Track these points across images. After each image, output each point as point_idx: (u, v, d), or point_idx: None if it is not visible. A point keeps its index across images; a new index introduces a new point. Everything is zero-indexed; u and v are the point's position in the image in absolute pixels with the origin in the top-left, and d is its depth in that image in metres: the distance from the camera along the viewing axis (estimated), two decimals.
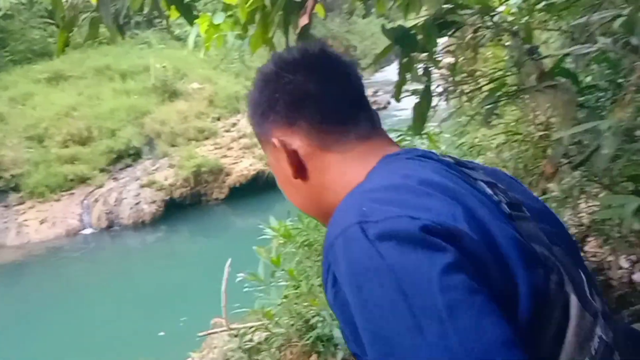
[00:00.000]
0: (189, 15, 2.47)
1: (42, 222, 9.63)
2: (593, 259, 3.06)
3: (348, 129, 0.84)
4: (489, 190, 0.77)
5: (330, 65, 0.87)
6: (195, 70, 14.19)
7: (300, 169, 0.84)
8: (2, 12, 13.37)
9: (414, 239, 0.63)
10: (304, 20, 1.49)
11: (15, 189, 10.03)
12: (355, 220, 0.66)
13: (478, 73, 3.51)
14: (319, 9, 3.09)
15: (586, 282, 0.75)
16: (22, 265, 8.98)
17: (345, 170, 0.82)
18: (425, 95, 1.70)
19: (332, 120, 0.84)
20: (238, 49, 3.13)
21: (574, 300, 0.69)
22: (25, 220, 9.66)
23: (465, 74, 3.38)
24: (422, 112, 1.71)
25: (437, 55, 1.88)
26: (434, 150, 0.92)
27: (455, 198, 0.70)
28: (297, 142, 0.84)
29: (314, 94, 0.84)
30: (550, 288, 0.68)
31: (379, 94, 20.77)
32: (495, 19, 2.24)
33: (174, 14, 2.61)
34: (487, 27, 2.34)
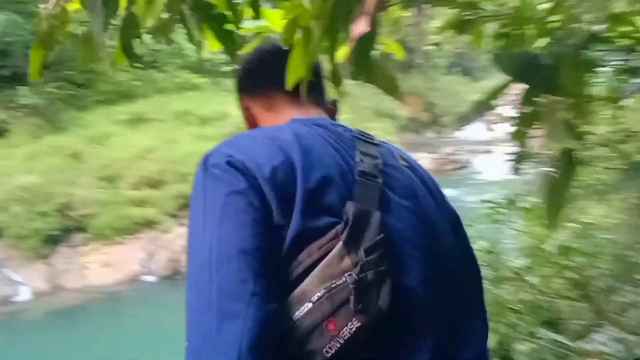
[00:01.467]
0: (231, 45, 1.87)
1: (104, 265, 9.38)
2: None
3: (289, 99, 1.12)
4: (358, 159, 0.96)
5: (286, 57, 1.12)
6: None
7: (253, 125, 1.17)
8: None
9: (221, 169, 0.89)
10: (360, 27, 0.83)
11: (82, 229, 9.88)
12: (206, 155, 0.94)
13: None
14: (398, 49, 2.47)
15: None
16: (81, 310, 8.67)
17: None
18: (567, 166, 1.02)
19: (277, 92, 1.12)
20: None
21: (338, 246, 0.83)
22: (88, 262, 9.44)
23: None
24: (560, 191, 1.02)
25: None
26: (339, 122, 1.11)
27: (285, 153, 0.90)
28: (255, 106, 1.16)
29: (269, 75, 1.14)
30: (327, 233, 0.85)
31: (459, 152, 20.02)
32: None
33: (213, 45, 2.07)
34: None
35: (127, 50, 1.59)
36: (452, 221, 1.05)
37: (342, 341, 0.79)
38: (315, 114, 1.11)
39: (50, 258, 9.38)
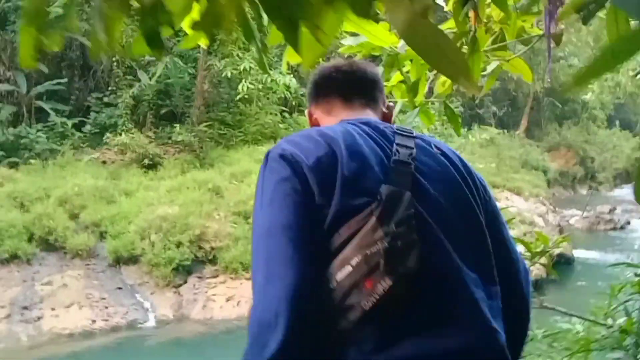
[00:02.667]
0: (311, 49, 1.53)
1: (228, 299, 9.44)
2: None
3: (344, 104, 1.34)
4: (395, 150, 1.12)
5: (348, 73, 1.38)
6: None
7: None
8: (241, 96, 14.48)
9: (275, 161, 1.09)
10: None
11: (212, 261, 10.10)
12: (269, 150, 1.14)
13: None
14: (525, 69, 2.00)
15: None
16: (201, 342, 8.73)
17: None
18: None
19: (334, 99, 1.35)
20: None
21: (372, 220, 1.00)
22: (214, 294, 9.56)
23: None
24: None
25: None
26: (382, 121, 1.28)
27: (330, 146, 1.09)
28: (317, 112, 1.38)
29: (330, 86, 1.37)
30: (364, 210, 1.01)
31: (616, 212, 18.24)
32: None
33: (291, 56, 1.78)
34: None
35: (151, 37, 1.15)
36: (482, 202, 1.19)
37: (377, 296, 0.96)
38: (364, 115, 1.30)
39: (180, 287, 9.66)
